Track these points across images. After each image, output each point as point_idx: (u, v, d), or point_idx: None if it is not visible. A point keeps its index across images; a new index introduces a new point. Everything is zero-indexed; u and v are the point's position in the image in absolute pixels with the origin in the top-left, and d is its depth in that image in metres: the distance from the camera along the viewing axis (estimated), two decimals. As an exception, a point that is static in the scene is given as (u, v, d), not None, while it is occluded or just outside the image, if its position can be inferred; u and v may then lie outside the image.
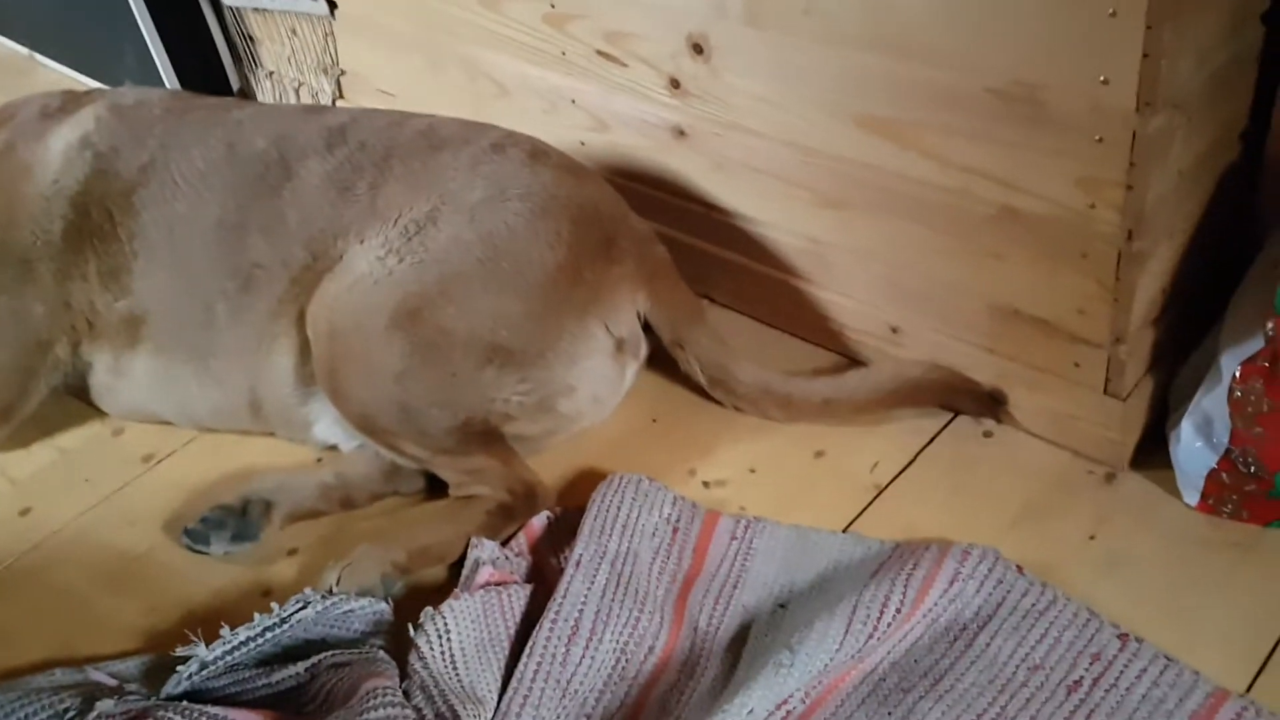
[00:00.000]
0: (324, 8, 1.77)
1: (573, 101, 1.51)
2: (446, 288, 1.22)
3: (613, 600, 1.07)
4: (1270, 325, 1.03)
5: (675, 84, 1.34)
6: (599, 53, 1.41)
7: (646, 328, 1.31)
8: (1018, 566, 1.06)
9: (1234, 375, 1.06)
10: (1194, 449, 1.11)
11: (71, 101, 1.47)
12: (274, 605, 1.07)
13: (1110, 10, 0.91)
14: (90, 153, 1.37)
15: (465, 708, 0.96)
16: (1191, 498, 1.13)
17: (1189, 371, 1.15)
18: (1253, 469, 1.07)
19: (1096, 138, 0.98)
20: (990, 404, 1.23)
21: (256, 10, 1.92)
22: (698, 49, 1.28)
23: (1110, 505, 1.15)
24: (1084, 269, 1.07)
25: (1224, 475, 1.10)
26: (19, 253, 1.36)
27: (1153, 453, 1.17)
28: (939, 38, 1.06)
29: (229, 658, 1.04)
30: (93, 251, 1.35)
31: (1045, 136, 1.02)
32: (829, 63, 1.16)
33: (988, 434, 1.24)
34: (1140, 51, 0.91)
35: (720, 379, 1.30)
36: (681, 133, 1.39)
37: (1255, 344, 1.05)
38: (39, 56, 2.49)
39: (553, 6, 1.43)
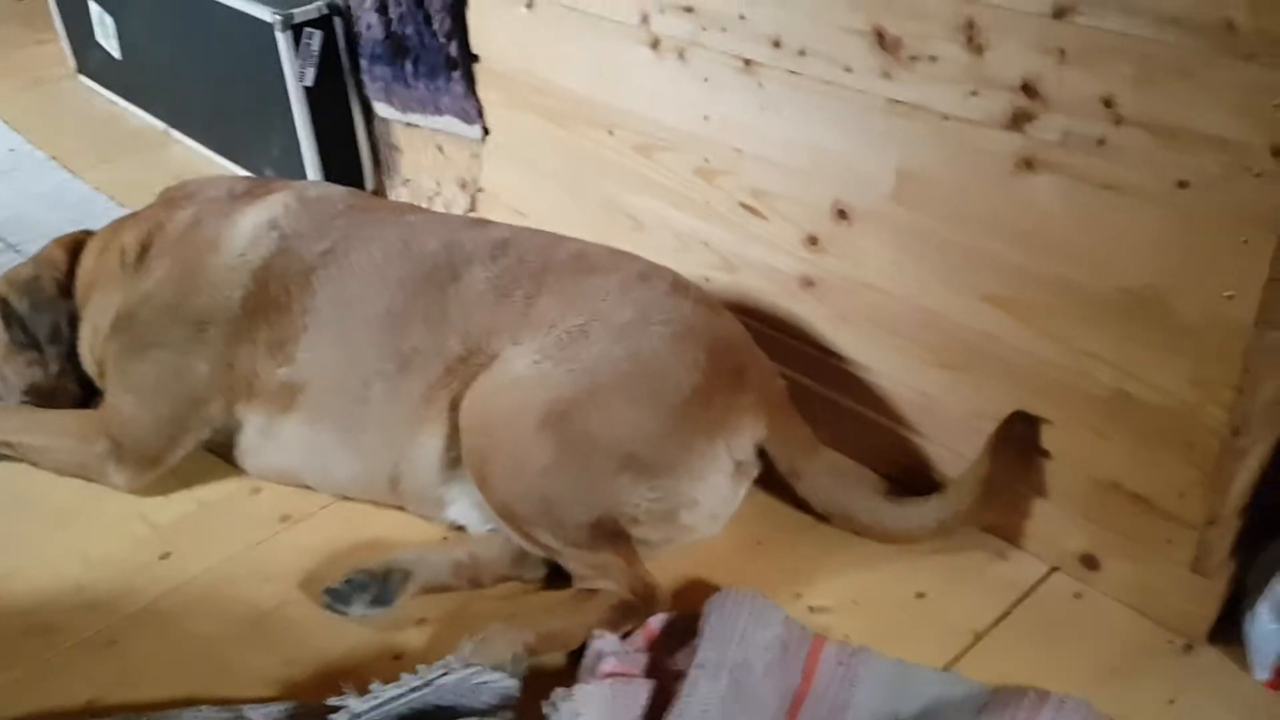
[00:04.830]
0: (478, 132, 1.95)
1: (705, 243, 1.66)
2: (594, 396, 1.34)
3: (734, 705, 1.15)
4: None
5: (812, 240, 1.49)
6: (742, 205, 1.57)
7: (760, 454, 1.43)
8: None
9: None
10: (1269, 630, 1.22)
11: (258, 187, 1.62)
12: (420, 668, 1.16)
13: (1244, 239, 1.06)
14: (277, 234, 1.51)
15: (603, 785, 1.04)
16: (1263, 675, 1.23)
17: (1268, 557, 1.26)
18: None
19: (1215, 345, 1.12)
20: None
21: (407, 124, 2.10)
22: (841, 214, 1.44)
23: (1187, 675, 1.24)
24: (1187, 456, 1.19)
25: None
26: (194, 315, 1.49)
27: (1228, 629, 1.27)
28: (1074, 239, 1.21)
29: (375, 712, 1.12)
30: (265, 321, 1.48)
31: (1166, 335, 1.16)
32: (966, 244, 1.32)
33: (1077, 595, 1.34)
34: (1266, 276, 1.05)
35: (836, 512, 1.41)
36: (809, 283, 1.53)
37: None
38: (175, 133, 2.67)
39: (706, 161, 1.59)
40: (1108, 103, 1.13)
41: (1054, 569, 1.38)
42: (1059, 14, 1.14)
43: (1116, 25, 1.10)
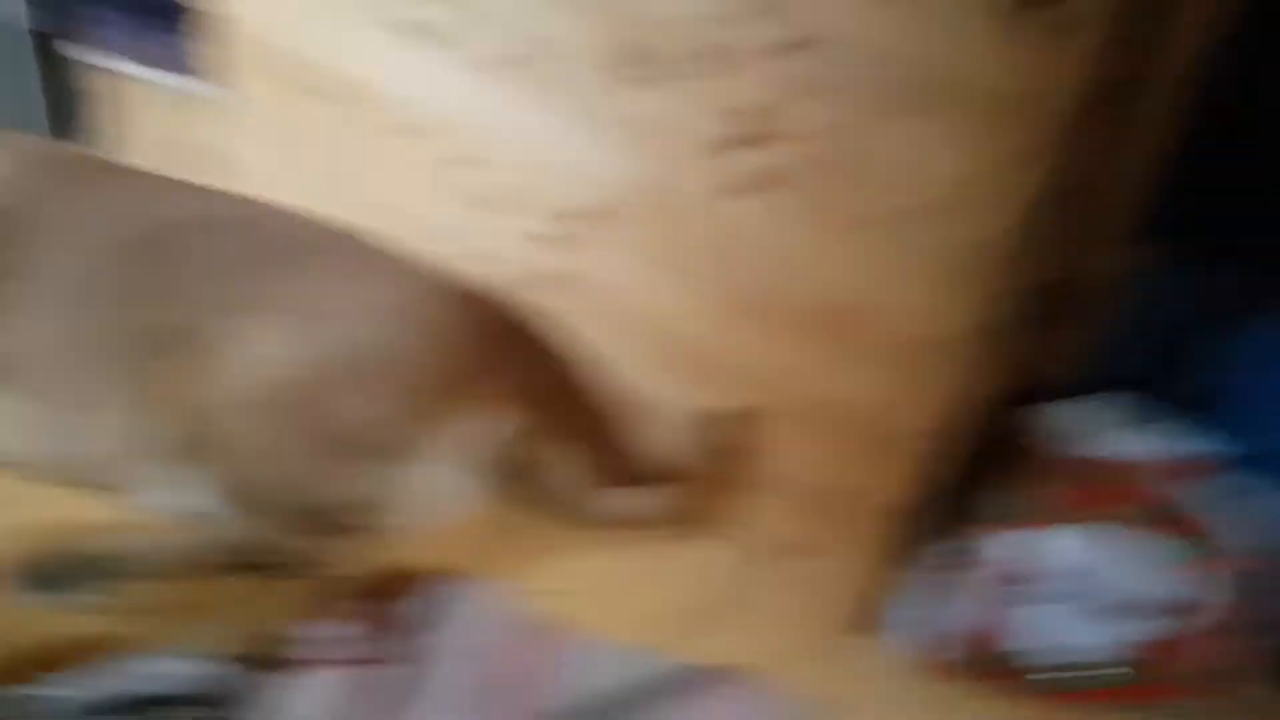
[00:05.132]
0: (216, 94, 1.86)
1: (450, 232, 1.67)
2: (324, 379, 1.32)
3: (455, 692, 1.19)
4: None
5: (552, 240, 1.54)
6: (493, 198, 1.59)
7: (504, 442, 1.45)
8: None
9: (972, 562, 1.35)
10: (935, 617, 1.39)
11: (-35, 138, 1.48)
12: (127, 656, 1.12)
13: (939, 263, 1.22)
14: (-16, 190, 1.39)
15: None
16: (932, 657, 1.39)
17: (938, 552, 1.43)
18: (981, 645, 1.37)
19: (911, 355, 1.27)
20: None
21: (137, 79, 1.98)
22: (579, 217, 1.49)
23: (870, 660, 1.40)
24: (883, 455, 1.34)
25: (961, 644, 1.38)
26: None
27: (901, 615, 1.43)
28: (787, 257, 1.32)
29: (76, 700, 1.07)
30: (-35, 287, 1.36)
31: (867, 346, 1.29)
32: (690, 256, 1.40)
33: (776, 581, 1.47)
34: (957, 295, 1.23)
35: (560, 502, 1.46)
36: (548, 280, 1.57)
37: (990, 542, 1.35)
38: None
39: (455, 152, 1.60)
40: (827, 133, 1.24)
41: (757, 556, 1.49)
42: (792, 48, 1.23)
43: (839, 63, 1.21)
